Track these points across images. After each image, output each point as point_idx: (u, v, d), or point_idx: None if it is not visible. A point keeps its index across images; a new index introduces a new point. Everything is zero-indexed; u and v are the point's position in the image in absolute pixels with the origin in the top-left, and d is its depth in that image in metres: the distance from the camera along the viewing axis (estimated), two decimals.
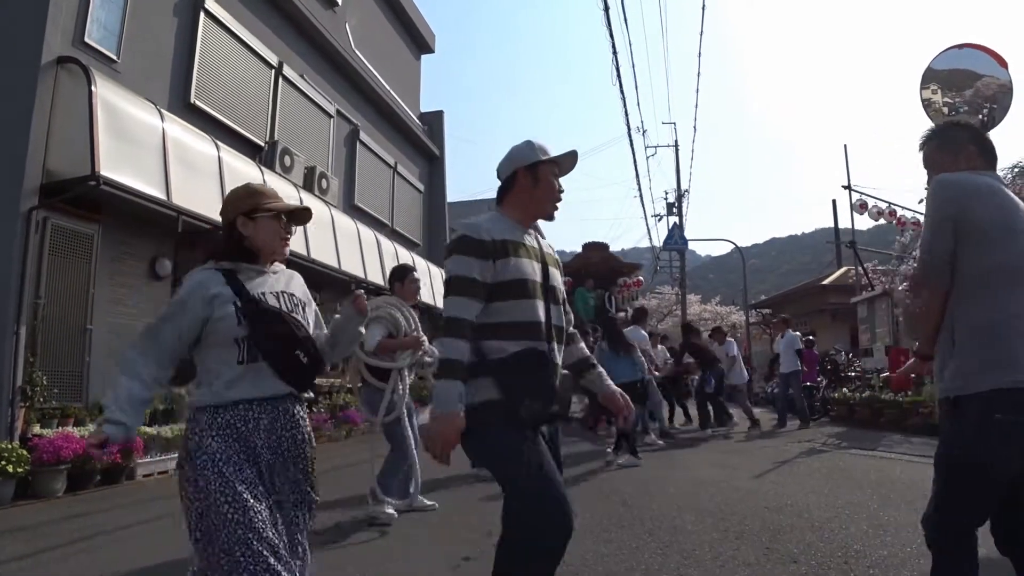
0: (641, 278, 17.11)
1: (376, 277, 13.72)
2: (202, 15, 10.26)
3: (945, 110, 9.90)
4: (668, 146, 33.25)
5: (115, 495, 6.66)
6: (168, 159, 8.18)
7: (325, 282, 12.94)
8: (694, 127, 40.10)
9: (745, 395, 12.99)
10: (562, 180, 2.49)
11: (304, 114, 13.17)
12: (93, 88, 7.27)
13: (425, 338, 5.18)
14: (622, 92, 23.12)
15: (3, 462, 6.03)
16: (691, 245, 31.58)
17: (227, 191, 8.69)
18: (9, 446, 6.19)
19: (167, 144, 8.23)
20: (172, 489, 6.53)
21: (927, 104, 10.02)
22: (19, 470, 6.15)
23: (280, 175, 11.21)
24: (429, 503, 5.43)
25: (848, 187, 14.05)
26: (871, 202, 14.55)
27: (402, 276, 5.36)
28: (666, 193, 40.05)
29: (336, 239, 12.28)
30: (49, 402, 7.13)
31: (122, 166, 7.40)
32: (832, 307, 22.42)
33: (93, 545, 4.52)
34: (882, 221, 15.25)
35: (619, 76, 19.55)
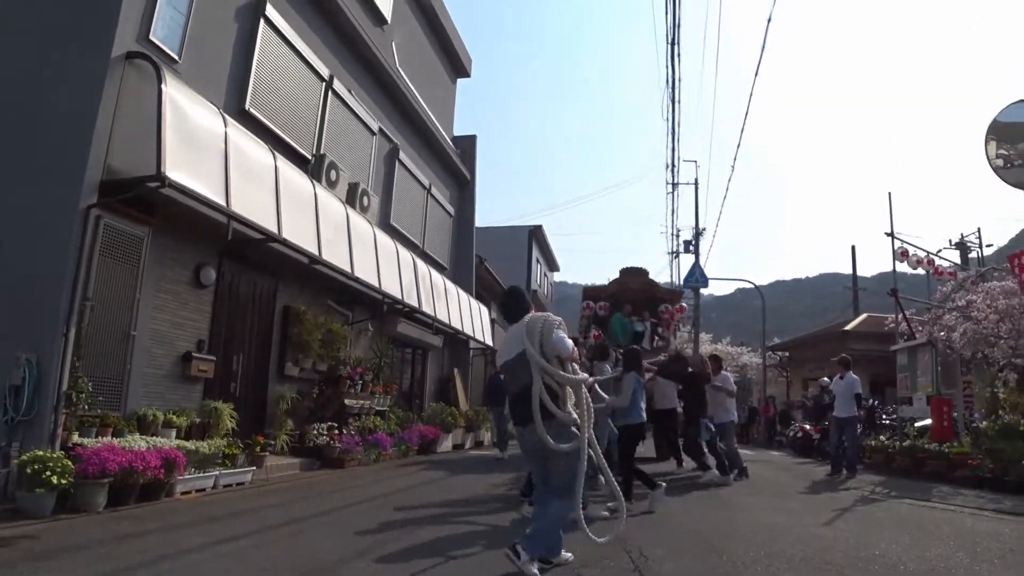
0: (684, 304, 16.61)
1: (411, 299, 13.43)
2: (262, 22, 10.07)
3: (1000, 162, 9.69)
4: (688, 184, 32.96)
5: (160, 512, 6.25)
6: (229, 165, 7.89)
7: (363, 300, 12.65)
8: (732, 166, 39.77)
9: (732, 436, 11.09)
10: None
11: (349, 129, 12.96)
12: (163, 87, 7.01)
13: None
14: (674, 128, 23.04)
15: (48, 472, 5.65)
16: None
17: (282, 201, 8.48)
18: (53, 455, 5.81)
19: (229, 149, 7.95)
20: (217, 508, 6.18)
21: (987, 155, 9.81)
22: (63, 481, 5.76)
23: (326, 189, 10.93)
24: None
25: (891, 235, 13.83)
26: (911, 250, 14.33)
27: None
28: (678, 231, 39.95)
29: (377, 258, 11.98)
30: (94, 410, 6.77)
31: (186, 168, 7.11)
32: (853, 353, 22.03)
33: (163, 571, 4.13)
34: (920, 270, 15.01)
35: (673, 110, 19.28)
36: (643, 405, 7.88)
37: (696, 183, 30.67)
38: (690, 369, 11.31)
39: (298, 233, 9.34)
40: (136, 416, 7.50)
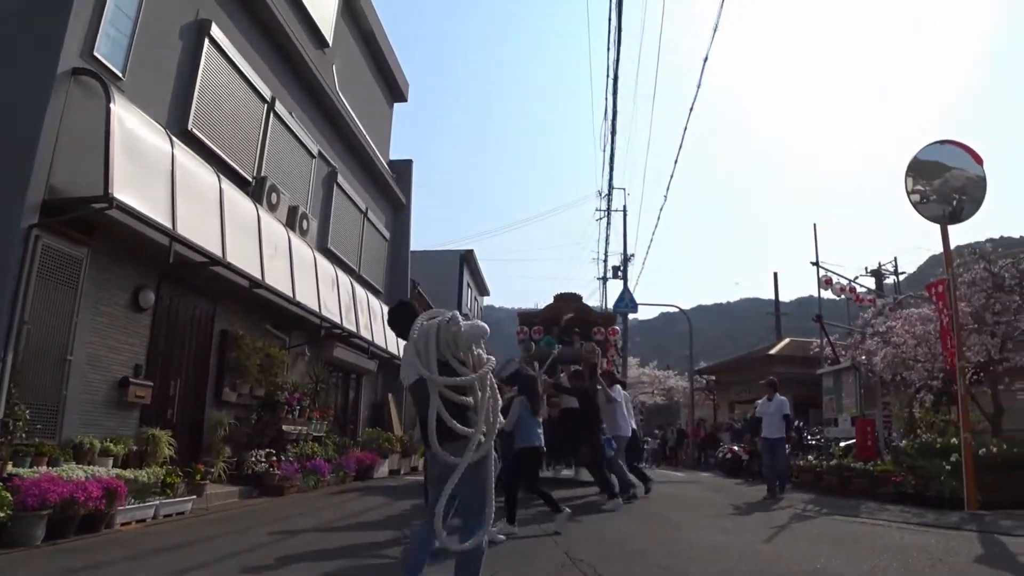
0: (617, 327, 16.65)
1: (350, 323, 13.33)
2: (207, 41, 9.94)
3: (916, 197, 10.34)
4: (616, 211, 33.81)
5: (103, 545, 6.02)
6: (175, 186, 7.74)
7: (300, 324, 12.48)
8: (665, 196, 40.72)
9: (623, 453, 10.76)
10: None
11: (290, 152, 12.84)
12: (111, 105, 6.86)
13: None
14: (612, 159, 23.58)
15: None
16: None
17: (227, 224, 8.35)
18: None
19: (175, 170, 7.80)
20: (161, 540, 5.99)
21: (906, 188, 10.39)
22: (1, 514, 5.50)
23: (268, 212, 10.80)
24: None
25: (816, 263, 14.57)
26: (835, 279, 15.14)
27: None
28: (605, 257, 40.76)
29: (317, 282, 11.86)
30: (31, 438, 6.49)
31: (133, 189, 6.96)
32: (778, 376, 22.95)
33: None
34: (842, 297, 15.86)
35: (613, 143, 19.66)
36: (539, 430, 7.59)
37: (624, 210, 31.40)
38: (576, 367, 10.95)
39: (242, 257, 9.21)
40: (72, 444, 7.20)
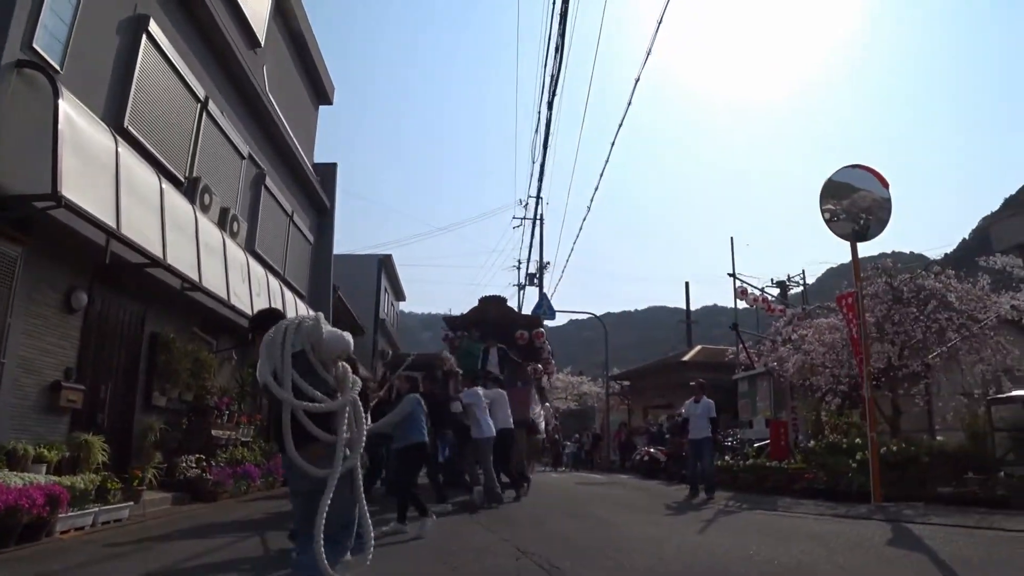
0: (542, 330, 16.58)
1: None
2: (144, 37, 9.71)
3: (827, 215, 11.11)
4: (530, 219, 34.33)
5: (52, 554, 5.87)
6: (120, 186, 7.58)
7: (227, 327, 12.27)
8: (588, 207, 40.98)
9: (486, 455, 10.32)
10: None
11: (221, 153, 12.62)
12: (60, 101, 6.68)
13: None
14: (542, 172, 23.88)
15: None
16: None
17: (167, 226, 8.23)
18: None
19: (120, 170, 7.63)
20: (110, 547, 5.90)
21: (821, 209, 11.12)
22: None
23: (202, 214, 10.61)
24: None
25: (733, 275, 15.38)
26: (750, 289, 16.02)
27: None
28: (518, 263, 41.35)
29: (250, 285, 11.71)
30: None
31: (80, 188, 6.79)
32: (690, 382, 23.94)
33: None
34: (755, 306, 16.76)
35: (544, 152, 19.96)
36: (423, 429, 7.70)
37: (542, 219, 31.96)
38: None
39: (180, 258, 9.06)
40: (5, 451, 6.95)
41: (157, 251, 8.35)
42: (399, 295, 39.24)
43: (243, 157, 13.63)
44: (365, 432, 3.60)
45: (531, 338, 16.22)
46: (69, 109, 6.93)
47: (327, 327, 3.52)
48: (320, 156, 21.72)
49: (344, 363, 3.58)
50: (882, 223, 10.47)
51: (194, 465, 10.19)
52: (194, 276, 9.41)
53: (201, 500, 9.85)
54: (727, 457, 14.30)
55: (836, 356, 12.93)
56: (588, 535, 7.46)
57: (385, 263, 32.77)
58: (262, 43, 14.55)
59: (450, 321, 17.38)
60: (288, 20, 16.93)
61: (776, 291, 25.95)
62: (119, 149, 7.73)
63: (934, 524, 7.42)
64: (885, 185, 10.51)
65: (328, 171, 20.63)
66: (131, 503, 8.06)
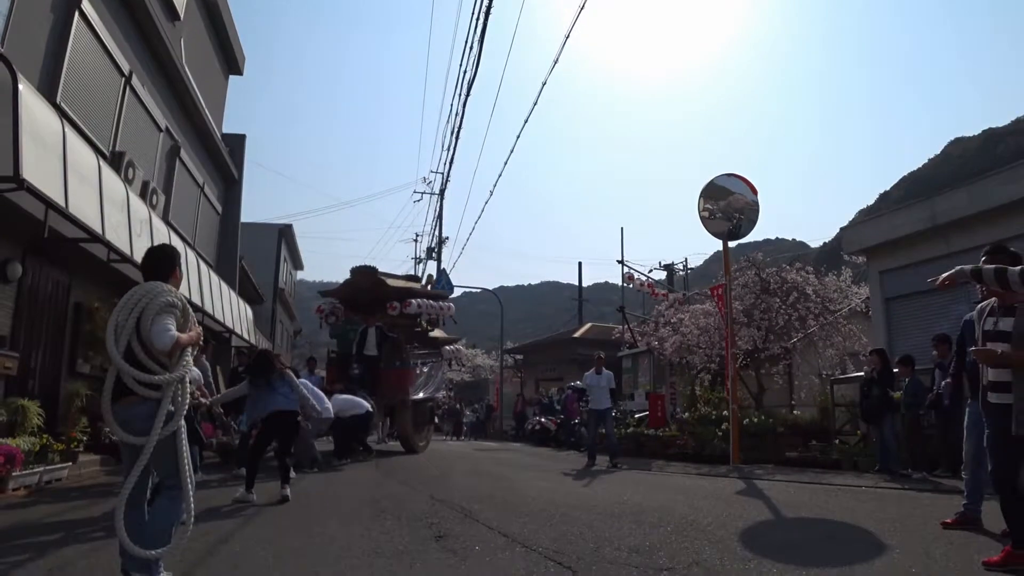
0: (411, 300, 15.23)
1: (197, 299, 13.58)
2: (76, 15, 9.96)
3: (705, 214, 12.57)
4: (433, 194, 34.95)
5: (18, 506, 6.47)
6: (67, 166, 8.02)
7: None
8: (491, 191, 41.59)
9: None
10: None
11: (141, 127, 12.85)
12: (20, 85, 7.10)
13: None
14: (452, 157, 24.25)
15: None
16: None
17: (104, 202, 8.75)
18: None
19: (67, 150, 8.06)
20: (75, 499, 6.59)
21: (698, 207, 12.55)
22: None
23: (127, 188, 10.96)
24: None
25: (621, 262, 16.86)
26: (636, 275, 17.57)
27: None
28: (417, 236, 42.03)
29: None
30: None
31: (36, 170, 7.24)
32: (581, 356, 25.59)
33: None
34: (641, 290, 18.36)
35: (456, 141, 20.46)
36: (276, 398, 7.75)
37: (442, 194, 32.72)
38: None
39: (116, 234, 9.48)
40: None
41: (96, 227, 8.78)
42: (297, 264, 39.21)
43: (160, 130, 13.85)
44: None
45: (401, 307, 15.23)
46: (25, 93, 7.32)
47: (164, 320, 3.69)
48: (229, 127, 21.67)
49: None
50: (752, 223, 11.99)
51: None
52: (126, 250, 9.83)
53: (118, 462, 10.35)
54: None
55: (709, 338, 14.62)
56: (489, 487, 8.70)
57: (285, 233, 32.79)
58: (182, 16, 14.70)
59: (326, 295, 16.94)
60: None
61: (664, 274, 27.97)
62: (64, 130, 8.12)
63: (777, 480, 9.06)
64: (754, 192, 12.04)
65: (237, 142, 20.76)
66: (69, 463, 8.60)
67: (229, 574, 4.03)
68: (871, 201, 79.94)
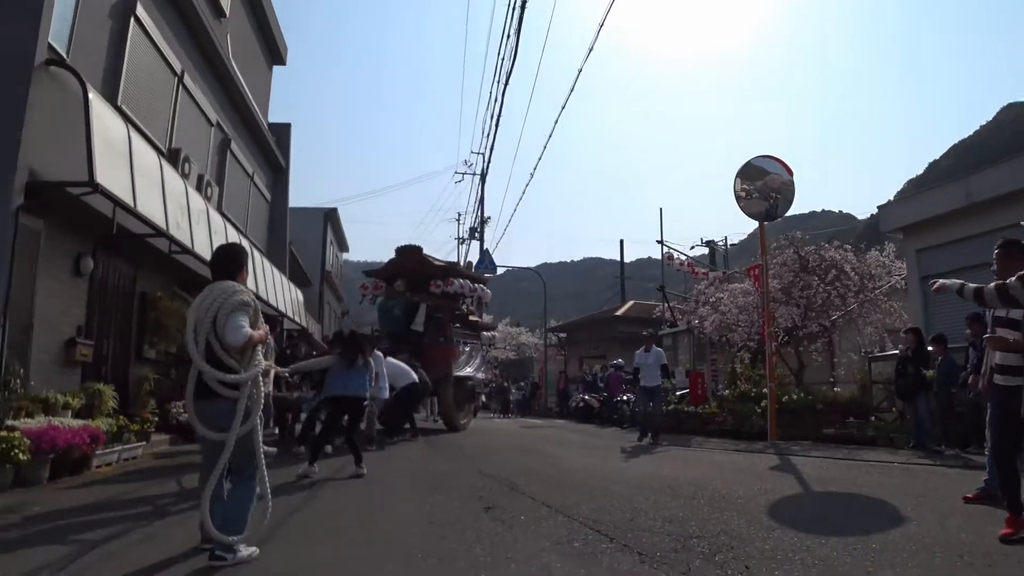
0: (452, 279, 15.75)
1: (251, 285, 14.22)
2: (132, 21, 10.51)
3: (743, 194, 12.69)
4: (475, 174, 35.25)
5: (101, 482, 7.10)
6: (133, 168, 8.59)
7: (202, 285, 13.27)
8: (531, 174, 41.52)
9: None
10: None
11: (194, 122, 13.44)
12: (89, 96, 7.65)
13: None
14: (493, 144, 24.53)
15: (14, 450, 6.37)
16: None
17: (167, 198, 9.32)
18: (14, 435, 6.50)
19: (132, 152, 8.63)
20: (156, 473, 7.19)
21: (734, 188, 12.67)
22: (23, 458, 6.49)
23: (185, 182, 11.57)
24: None
25: (661, 242, 17.09)
26: (676, 255, 17.77)
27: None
28: (459, 215, 42.47)
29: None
30: (31, 393, 7.37)
31: (107, 173, 7.81)
32: (622, 335, 25.88)
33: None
34: (681, 269, 18.57)
35: (498, 121, 20.68)
36: (348, 382, 8.11)
37: (483, 178, 33.04)
38: None
39: (177, 227, 10.09)
40: (40, 399, 8.04)
41: (160, 222, 9.38)
42: (343, 246, 40.03)
43: (212, 124, 14.46)
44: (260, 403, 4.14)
45: (444, 285, 15.75)
46: (94, 101, 7.87)
47: (238, 318, 3.97)
48: (275, 114, 22.24)
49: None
50: (788, 203, 12.11)
51: (183, 411, 11.36)
52: (187, 242, 10.44)
53: (192, 441, 11.06)
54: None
55: (748, 317, 14.80)
56: (534, 463, 9.15)
57: (330, 217, 33.51)
58: (227, 13, 15.23)
59: (371, 274, 17.33)
60: None
61: (706, 250, 27.98)
62: (130, 134, 8.69)
63: (812, 456, 9.31)
64: (790, 172, 12.14)
65: (283, 131, 21.35)
66: (143, 442, 9.27)
67: (300, 542, 4.50)
68: (920, 171, 78.07)
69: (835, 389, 13.91)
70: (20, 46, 7.58)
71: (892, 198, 17.63)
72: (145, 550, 4.26)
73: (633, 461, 9.56)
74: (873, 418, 11.44)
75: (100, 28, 9.77)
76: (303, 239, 28.56)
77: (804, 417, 11.94)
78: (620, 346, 26.52)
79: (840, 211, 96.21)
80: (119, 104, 10.10)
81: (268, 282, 16.33)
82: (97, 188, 7.48)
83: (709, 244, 27.51)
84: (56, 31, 8.55)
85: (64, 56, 8.71)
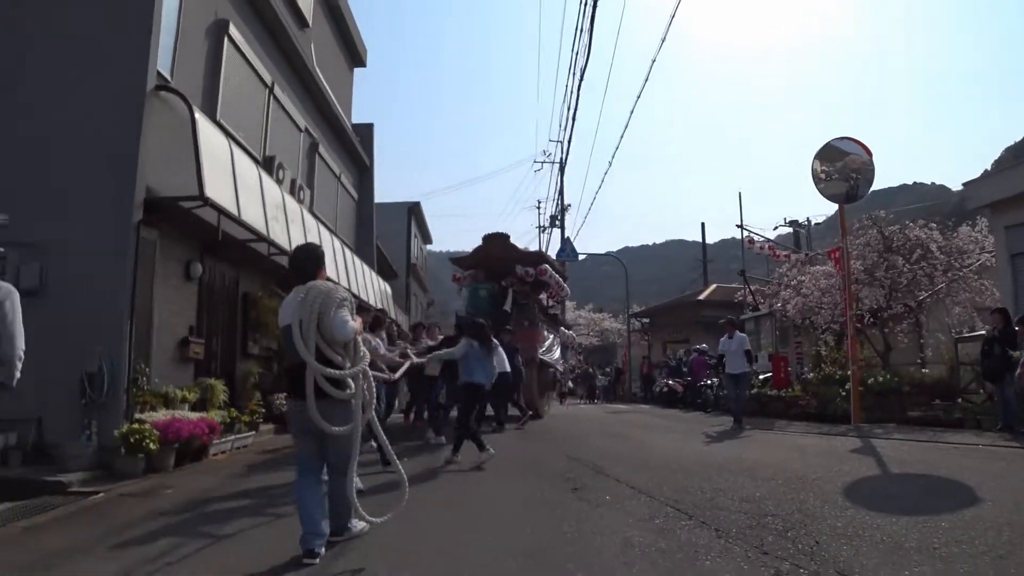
0: (546, 266, 16.12)
1: (344, 282, 14.98)
2: (226, 40, 11.25)
3: (823, 175, 12.51)
4: (553, 162, 35.50)
5: (218, 467, 7.84)
6: (236, 180, 9.30)
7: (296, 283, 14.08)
8: (610, 162, 41.77)
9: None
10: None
11: (284, 129, 14.22)
12: (195, 116, 8.35)
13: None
14: (570, 137, 24.87)
15: (146, 440, 7.12)
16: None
17: (268, 207, 10.00)
18: (145, 427, 7.26)
19: (235, 165, 9.34)
20: (244, 464, 7.84)
21: (813, 171, 12.49)
22: (154, 447, 7.24)
23: (278, 187, 12.33)
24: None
25: (741, 226, 16.99)
26: (756, 239, 17.64)
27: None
28: (539, 203, 42.79)
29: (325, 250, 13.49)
30: (154, 389, 8.18)
31: (215, 188, 8.52)
32: (706, 319, 25.75)
33: None
34: (763, 252, 18.40)
35: (574, 115, 21.10)
36: (483, 369, 8.32)
37: (562, 169, 33.21)
38: None
39: (275, 231, 10.81)
40: (161, 394, 8.86)
41: (261, 228, 10.10)
42: (427, 239, 41.00)
43: (300, 130, 15.23)
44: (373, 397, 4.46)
45: (536, 274, 16.05)
46: (200, 120, 8.58)
47: (342, 313, 4.17)
48: (357, 113, 23.02)
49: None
50: (868, 183, 11.93)
51: (285, 403, 12.17)
52: (285, 244, 11.16)
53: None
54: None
55: (831, 298, 14.61)
56: (618, 447, 9.51)
57: (414, 210, 34.42)
58: (310, 23, 15.97)
59: (456, 261, 17.82)
60: None
61: (790, 230, 27.46)
62: (232, 147, 9.40)
63: (894, 439, 9.28)
64: (869, 154, 11.93)
65: (366, 131, 22.12)
66: (253, 432, 10.05)
67: (409, 517, 4.95)
68: (1018, 137, 73.61)
69: (923, 370, 13.62)
70: (133, 76, 8.33)
71: (989, 168, 16.98)
72: (274, 530, 4.82)
73: (715, 445, 9.76)
74: (960, 400, 11.21)
75: (198, 49, 10.52)
76: (388, 233, 29.48)
77: (890, 399, 11.81)
78: (704, 330, 26.37)
79: (933, 183, 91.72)
80: (218, 119, 10.85)
81: (358, 277, 17.10)
82: (207, 201, 8.19)
83: (793, 224, 26.99)
84: (160, 58, 9.32)
85: (168, 79, 9.47)
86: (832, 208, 13.79)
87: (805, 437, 10.32)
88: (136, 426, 7.23)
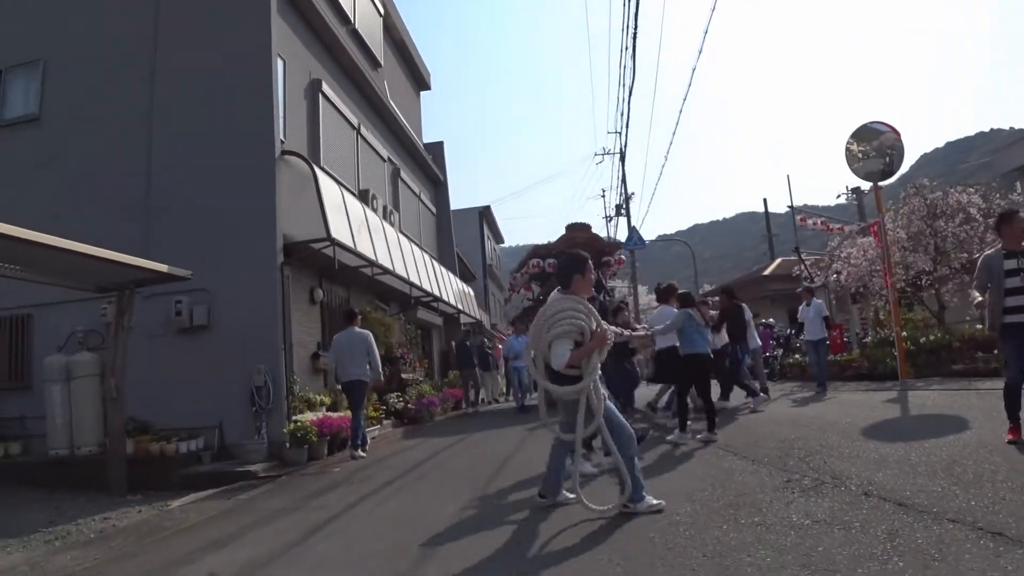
0: (623, 257, 17.28)
1: (434, 290, 16.89)
2: (321, 97, 13.21)
3: (860, 155, 13.54)
4: (613, 153, 36.64)
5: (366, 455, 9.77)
6: (350, 220, 11.23)
7: (393, 296, 16.06)
8: (666, 156, 42.70)
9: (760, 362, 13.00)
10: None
11: (371, 161, 16.19)
12: (316, 172, 10.31)
13: (607, 326, 4.94)
14: (626, 134, 26.17)
15: (309, 435, 9.10)
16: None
17: (376, 240, 11.94)
18: (306, 424, 9.23)
19: (348, 207, 11.28)
20: (399, 446, 9.78)
21: (848, 151, 13.48)
22: (313, 440, 9.21)
23: (374, 214, 14.27)
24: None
25: (791, 207, 18.13)
26: (809, 220, 18.77)
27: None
28: (603, 192, 43.81)
29: (416, 264, 15.43)
30: (300, 395, 10.21)
31: (337, 229, 10.46)
32: (773, 293, 26.74)
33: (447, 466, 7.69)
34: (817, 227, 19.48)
35: (629, 104, 22.50)
36: (707, 340, 8.06)
37: (623, 159, 34.38)
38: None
39: (380, 256, 12.74)
40: (305, 399, 10.85)
41: (370, 255, 12.03)
42: (498, 238, 42.95)
43: (384, 160, 17.19)
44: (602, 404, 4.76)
45: (614, 264, 17.13)
46: (321, 176, 10.52)
47: (561, 342, 4.61)
48: (426, 129, 24.92)
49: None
50: (901, 159, 13.01)
51: (397, 400, 14.13)
52: (390, 268, 13.08)
53: (412, 423, 13.83)
54: (796, 355, 17.34)
55: (883, 265, 15.59)
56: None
57: (485, 214, 36.37)
58: (382, 63, 17.91)
59: (539, 251, 18.69)
60: (392, 32, 20.19)
61: (853, 196, 28.04)
62: (343, 193, 11.34)
63: (930, 390, 10.44)
64: (896, 133, 13.00)
65: (437, 149, 24.09)
66: (378, 427, 12.00)
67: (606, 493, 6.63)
68: None
69: (977, 327, 14.51)
70: (264, 147, 10.34)
71: None
72: (426, 484, 6.63)
73: (765, 406, 10.94)
74: (995, 351, 12.18)
75: (300, 108, 12.49)
76: (462, 238, 31.46)
77: (941, 355, 12.87)
78: (771, 303, 27.33)
79: (1011, 128, 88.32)
80: (322, 165, 12.83)
81: (445, 285, 19.02)
82: (333, 242, 10.12)
83: (856, 191, 27.60)
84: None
85: (283, 139, 11.46)
86: (911, 159, 14.67)
87: (852, 393, 11.57)
88: (300, 424, 9.21)
